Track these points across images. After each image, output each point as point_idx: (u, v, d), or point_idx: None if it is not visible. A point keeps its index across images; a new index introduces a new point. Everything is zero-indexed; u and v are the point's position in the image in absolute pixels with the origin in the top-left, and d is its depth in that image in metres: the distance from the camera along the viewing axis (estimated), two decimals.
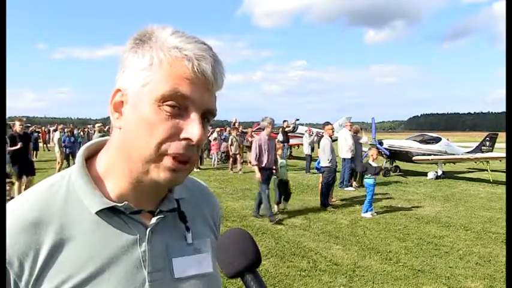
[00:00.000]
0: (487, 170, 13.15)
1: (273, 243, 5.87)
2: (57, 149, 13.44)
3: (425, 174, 13.84)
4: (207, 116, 0.70)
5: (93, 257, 0.68)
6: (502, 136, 15.26)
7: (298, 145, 19.63)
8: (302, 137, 16.88)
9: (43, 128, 29.28)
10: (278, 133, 15.56)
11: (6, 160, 7.23)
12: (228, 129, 18.44)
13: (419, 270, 4.90)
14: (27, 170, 8.10)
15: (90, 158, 0.77)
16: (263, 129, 7.50)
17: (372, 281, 4.54)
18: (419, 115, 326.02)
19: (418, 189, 11.17)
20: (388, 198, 9.61)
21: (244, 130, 17.61)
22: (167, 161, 0.67)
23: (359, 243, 5.94)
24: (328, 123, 9.37)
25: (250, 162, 16.18)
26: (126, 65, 0.69)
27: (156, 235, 0.73)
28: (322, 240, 6.10)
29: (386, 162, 14.29)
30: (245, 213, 7.66)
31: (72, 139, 13.91)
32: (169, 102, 0.65)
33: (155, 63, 0.66)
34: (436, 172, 13.30)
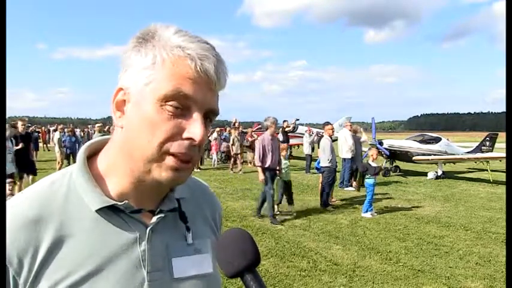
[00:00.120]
0: (487, 170, 13.15)
1: (273, 243, 5.87)
2: (57, 149, 13.44)
3: (425, 174, 13.84)
4: (209, 115, 0.70)
5: (93, 255, 0.68)
6: (502, 136, 15.27)
7: (298, 145, 19.63)
8: (302, 137, 16.88)
9: (43, 128, 29.29)
10: (278, 133, 15.56)
11: (12, 160, 7.21)
12: (228, 129, 18.45)
13: (419, 270, 4.90)
14: (28, 169, 8.11)
15: (91, 157, 0.77)
16: (266, 129, 7.38)
17: (372, 281, 4.54)
18: (419, 115, 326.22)
19: (418, 189, 11.16)
20: (388, 198, 9.61)
21: (244, 130, 17.61)
22: (169, 160, 0.67)
23: (359, 243, 5.93)
24: (328, 123, 9.36)
25: (250, 163, 16.31)
26: (128, 63, 0.69)
27: (156, 234, 0.73)
28: (322, 240, 6.10)
29: (386, 162, 14.29)
30: (245, 213, 7.66)
31: (74, 139, 13.89)
32: (171, 102, 0.65)
33: (158, 62, 0.66)
34: (436, 172, 13.29)
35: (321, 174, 8.60)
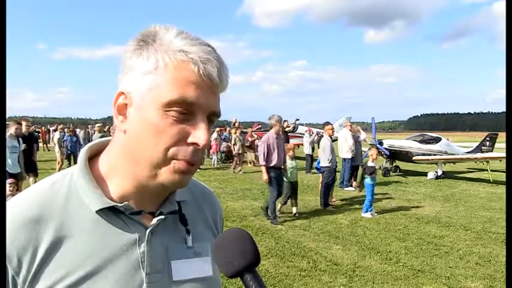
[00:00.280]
0: (487, 170, 13.15)
1: (273, 243, 5.87)
2: (57, 149, 13.43)
3: (425, 174, 13.84)
4: (211, 118, 0.70)
5: (92, 256, 0.68)
6: (502, 136, 15.26)
7: (298, 145, 19.63)
8: (302, 137, 16.89)
9: (43, 128, 29.29)
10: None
11: (17, 159, 7.07)
12: (228, 129, 18.45)
13: (419, 270, 4.90)
14: (30, 170, 8.08)
15: (92, 158, 0.77)
16: (271, 128, 7.24)
17: (372, 281, 4.54)
18: (419, 115, 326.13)
19: (418, 189, 11.16)
20: (388, 198, 9.61)
21: (244, 130, 17.61)
22: (176, 164, 0.67)
23: (359, 243, 5.94)
24: (328, 123, 9.36)
25: (250, 163, 16.32)
26: (129, 66, 0.69)
27: (155, 236, 0.73)
28: (322, 240, 6.10)
29: (386, 162, 14.28)
30: (245, 213, 7.66)
31: (75, 139, 13.88)
32: (175, 108, 0.65)
33: (160, 67, 0.65)
34: (436, 172, 13.29)
35: (321, 174, 8.60)
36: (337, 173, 9.01)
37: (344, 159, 10.87)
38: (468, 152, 15.65)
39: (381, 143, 13.82)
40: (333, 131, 9.06)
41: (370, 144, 13.47)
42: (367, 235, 6.39)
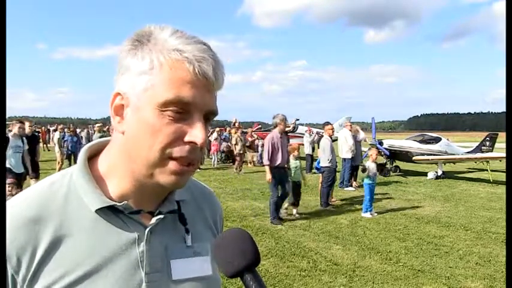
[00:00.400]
0: (487, 170, 13.14)
1: (273, 243, 5.87)
2: (57, 149, 13.43)
3: (425, 174, 13.83)
4: (208, 116, 0.70)
5: (91, 255, 0.68)
6: (502, 136, 15.26)
7: (299, 145, 19.62)
8: (302, 137, 16.88)
9: (43, 128, 29.27)
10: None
11: (21, 159, 7.01)
12: (228, 129, 18.46)
13: (419, 270, 4.90)
14: (33, 170, 8.06)
15: (92, 158, 0.77)
16: (275, 127, 7.13)
17: (372, 281, 4.54)
18: (419, 115, 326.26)
19: (418, 189, 11.16)
20: (388, 198, 9.61)
21: (244, 130, 17.61)
22: (172, 165, 0.67)
23: (359, 243, 5.93)
24: (328, 123, 9.37)
25: (250, 163, 16.31)
26: (124, 67, 0.68)
27: (155, 236, 0.73)
28: (322, 240, 6.09)
29: (386, 162, 14.28)
30: (245, 213, 7.66)
31: (75, 139, 13.88)
32: (172, 107, 0.65)
33: (156, 67, 0.65)
34: (436, 172, 13.29)
35: (321, 174, 8.60)
36: (337, 173, 9.01)
37: (344, 159, 10.87)
38: (468, 152, 15.64)
39: (381, 143, 13.82)
40: (333, 131, 9.06)
41: (370, 144, 13.46)
42: (367, 235, 6.39)
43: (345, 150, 10.84)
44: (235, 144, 14.60)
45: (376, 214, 7.71)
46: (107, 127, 16.26)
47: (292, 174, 7.28)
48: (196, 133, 0.66)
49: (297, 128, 18.91)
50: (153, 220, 0.74)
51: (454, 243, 6.06)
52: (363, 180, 7.99)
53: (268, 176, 6.84)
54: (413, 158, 13.86)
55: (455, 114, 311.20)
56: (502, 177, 13.17)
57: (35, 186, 0.74)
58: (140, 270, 0.70)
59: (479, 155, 14.91)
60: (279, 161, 6.81)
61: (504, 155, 12.74)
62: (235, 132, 14.95)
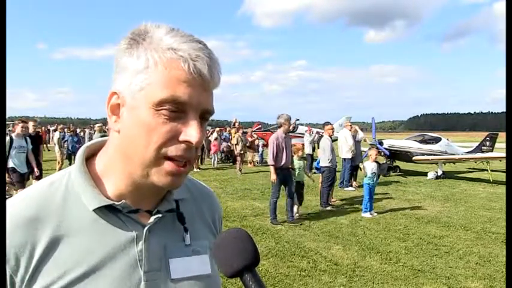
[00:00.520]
0: (487, 170, 13.14)
1: (273, 243, 5.87)
2: (57, 149, 13.44)
3: (425, 174, 13.84)
4: (204, 115, 0.69)
5: (90, 254, 0.68)
6: (502, 136, 15.27)
7: (303, 145, 19.60)
8: (302, 137, 16.88)
9: (43, 128, 29.27)
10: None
11: (24, 159, 6.96)
12: (228, 129, 18.45)
13: (419, 270, 4.90)
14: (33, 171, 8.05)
15: (90, 158, 0.77)
16: (279, 126, 7.06)
17: (372, 281, 4.54)
18: (419, 115, 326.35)
19: (418, 189, 11.16)
20: (388, 198, 9.61)
21: (245, 130, 17.61)
22: (167, 165, 0.67)
23: (359, 243, 5.93)
24: (328, 123, 9.36)
25: (250, 163, 16.32)
26: (121, 66, 0.68)
27: (153, 235, 0.73)
28: (322, 240, 6.09)
29: (386, 162, 14.28)
30: (245, 213, 7.66)
31: (76, 139, 13.88)
32: (167, 106, 0.65)
33: (151, 66, 0.65)
34: (436, 172, 13.29)
35: (321, 174, 8.60)
36: (337, 173, 9.01)
37: (344, 159, 10.87)
38: (468, 152, 15.65)
39: (381, 143, 13.82)
40: (333, 131, 9.06)
41: (370, 144, 13.46)
42: (367, 235, 6.39)
43: (345, 150, 10.84)
44: (236, 144, 14.60)
45: (376, 214, 7.71)
46: (107, 127, 16.23)
47: (296, 174, 7.27)
48: (191, 132, 0.66)
49: (297, 128, 18.93)
50: (152, 219, 0.74)
51: (454, 243, 6.06)
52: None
53: (273, 176, 6.80)
54: (414, 158, 13.87)
55: (455, 114, 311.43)
56: (502, 177, 13.17)
57: (34, 185, 0.74)
58: (139, 269, 0.70)
59: (479, 155, 14.92)
60: (283, 161, 6.78)
61: (504, 155, 12.74)
62: (236, 133, 14.95)
